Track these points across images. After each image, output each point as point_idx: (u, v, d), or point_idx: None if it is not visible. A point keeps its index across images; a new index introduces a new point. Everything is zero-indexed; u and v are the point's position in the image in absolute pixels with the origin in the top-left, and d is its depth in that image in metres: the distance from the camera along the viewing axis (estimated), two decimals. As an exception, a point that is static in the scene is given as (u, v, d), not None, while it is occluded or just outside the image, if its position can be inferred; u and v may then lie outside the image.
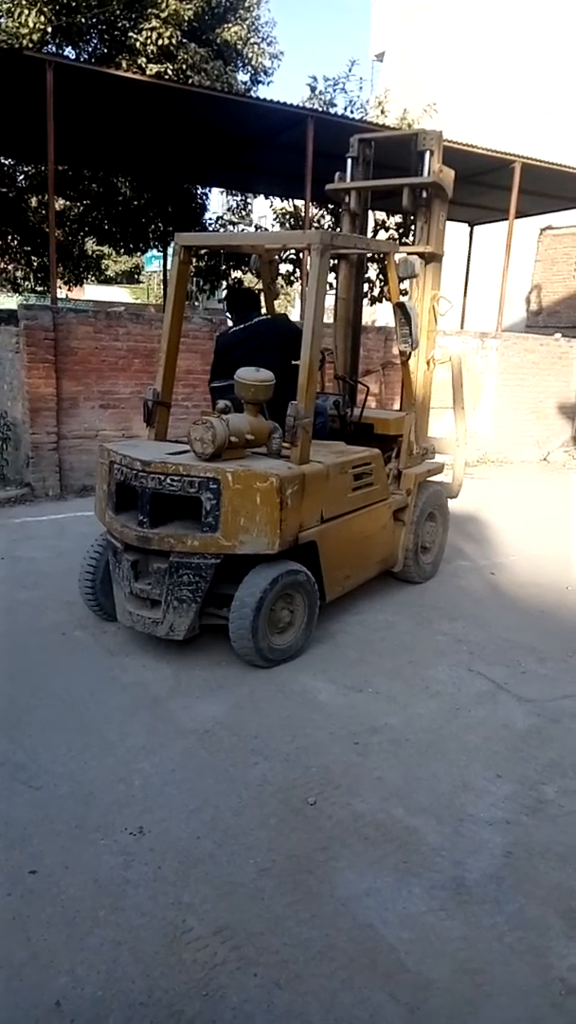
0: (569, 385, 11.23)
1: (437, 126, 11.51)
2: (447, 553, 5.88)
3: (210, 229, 15.23)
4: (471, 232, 14.27)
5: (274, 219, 14.79)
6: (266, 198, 15.22)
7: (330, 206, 14.41)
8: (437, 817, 2.73)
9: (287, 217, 14.39)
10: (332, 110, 12.98)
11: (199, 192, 15.13)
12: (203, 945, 2.14)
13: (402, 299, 4.63)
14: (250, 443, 3.92)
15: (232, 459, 3.80)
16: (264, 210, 15.87)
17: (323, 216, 14.59)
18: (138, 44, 11.56)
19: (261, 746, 3.14)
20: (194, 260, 15.70)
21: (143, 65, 11.53)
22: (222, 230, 15.41)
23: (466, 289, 13.88)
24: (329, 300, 4.50)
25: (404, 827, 2.67)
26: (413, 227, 5.09)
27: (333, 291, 5.77)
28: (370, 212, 15.67)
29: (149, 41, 11.51)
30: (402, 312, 4.56)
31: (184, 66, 11.85)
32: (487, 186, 10.96)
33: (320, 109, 12.50)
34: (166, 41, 11.50)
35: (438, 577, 5.37)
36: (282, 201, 14.71)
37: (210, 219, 15.94)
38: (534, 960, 2.13)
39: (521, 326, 15.99)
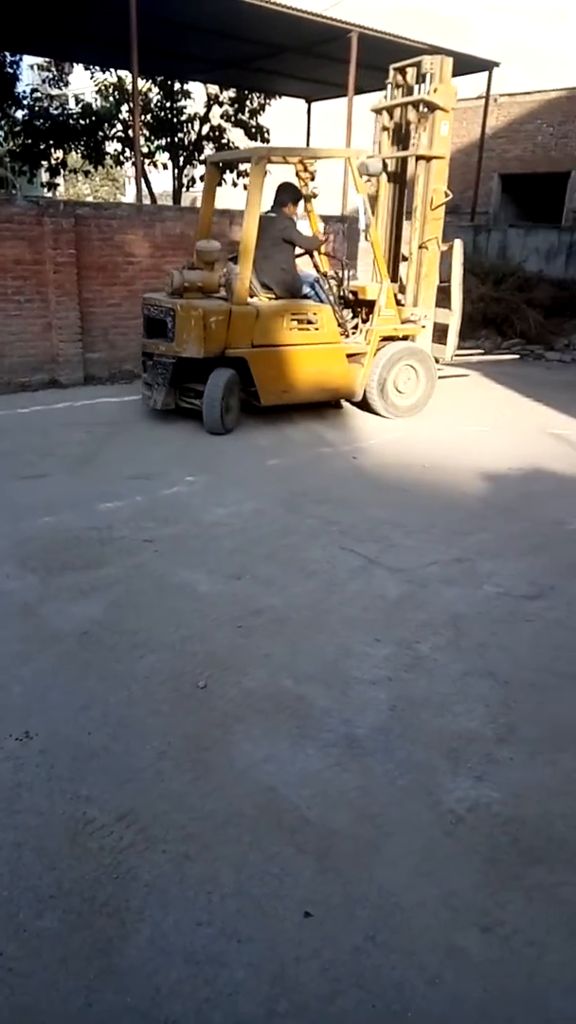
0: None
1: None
2: (310, 440, 6.01)
3: (24, 102, 13.67)
4: (308, 109, 13.75)
5: (96, 92, 13.53)
6: (86, 68, 13.82)
7: (158, 78, 13.35)
8: (325, 683, 2.83)
9: (111, 90, 13.20)
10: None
11: (8, 60, 13.48)
12: (108, 832, 2.12)
13: (360, 195, 6.07)
14: (202, 289, 5.89)
15: (189, 298, 5.79)
16: (85, 82, 14.44)
17: (151, 89, 13.51)
18: None
19: (144, 640, 3.08)
20: (12, 141, 14.16)
21: None
22: (37, 105, 13.86)
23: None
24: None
25: (294, 696, 2.74)
26: (412, 134, 6.53)
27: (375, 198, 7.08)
28: (203, 86, 14.61)
29: None
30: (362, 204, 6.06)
31: None
32: (324, 58, 10.53)
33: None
34: None
35: (303, 463, 5.43)
36: (103, 72, 13.43)
37: (23, 91, 14.32)
38: (426, 798, 2.29)
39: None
